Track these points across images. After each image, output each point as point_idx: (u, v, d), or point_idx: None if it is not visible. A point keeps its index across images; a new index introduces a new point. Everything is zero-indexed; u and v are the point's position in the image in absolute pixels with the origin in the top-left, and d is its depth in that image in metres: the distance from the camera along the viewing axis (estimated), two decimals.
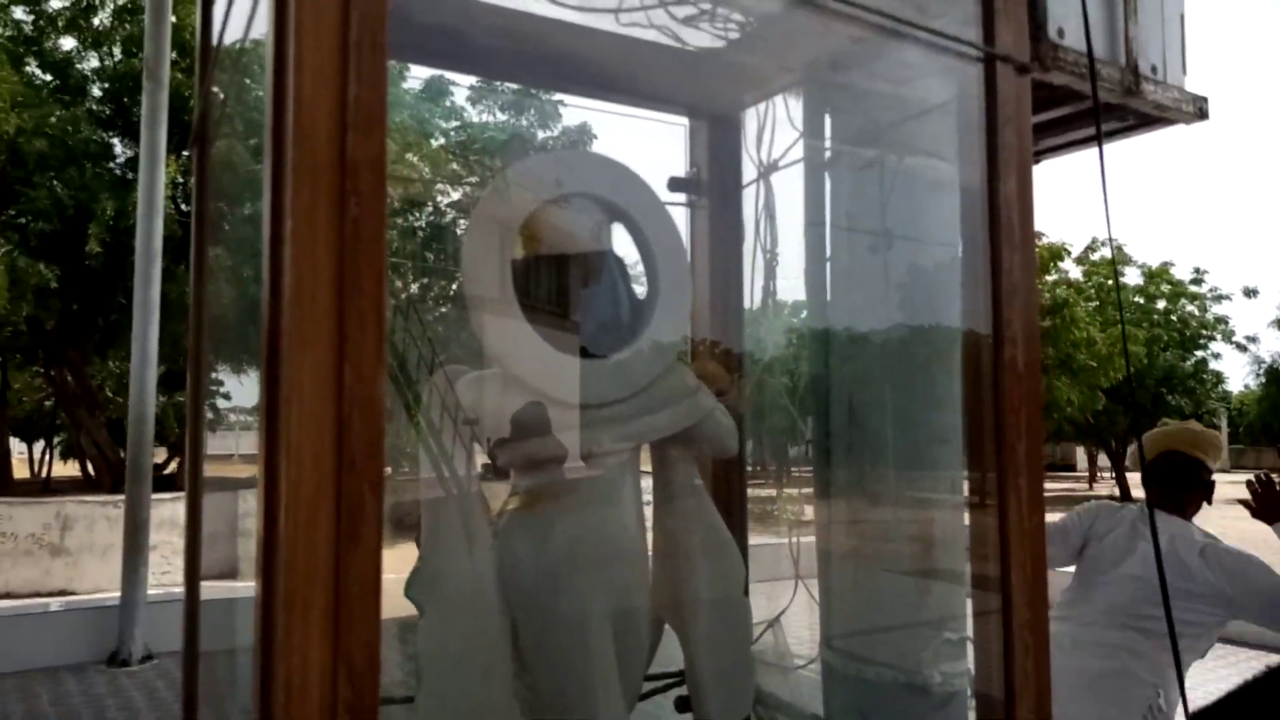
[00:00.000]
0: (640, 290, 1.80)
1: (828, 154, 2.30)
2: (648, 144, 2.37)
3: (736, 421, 2.03)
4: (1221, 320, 24.48)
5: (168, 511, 9.63)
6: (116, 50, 11.93)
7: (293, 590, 1.03)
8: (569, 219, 1.66)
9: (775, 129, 2.33)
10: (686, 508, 1.86)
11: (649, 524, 1.87)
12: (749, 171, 2.37)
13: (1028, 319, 1.64)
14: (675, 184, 2.34)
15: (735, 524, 2.33)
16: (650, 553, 1.86)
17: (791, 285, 2.36)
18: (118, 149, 11.94)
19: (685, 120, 2.40)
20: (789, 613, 2.32)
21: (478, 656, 1.58)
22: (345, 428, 1.07)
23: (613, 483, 1.72)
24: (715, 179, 2.36)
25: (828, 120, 2.30)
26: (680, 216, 2.37)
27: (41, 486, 13.38)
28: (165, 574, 9.44)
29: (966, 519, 1.84)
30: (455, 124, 10.28)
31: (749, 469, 2.44)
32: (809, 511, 2.54)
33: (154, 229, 6.78)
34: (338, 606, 1.05)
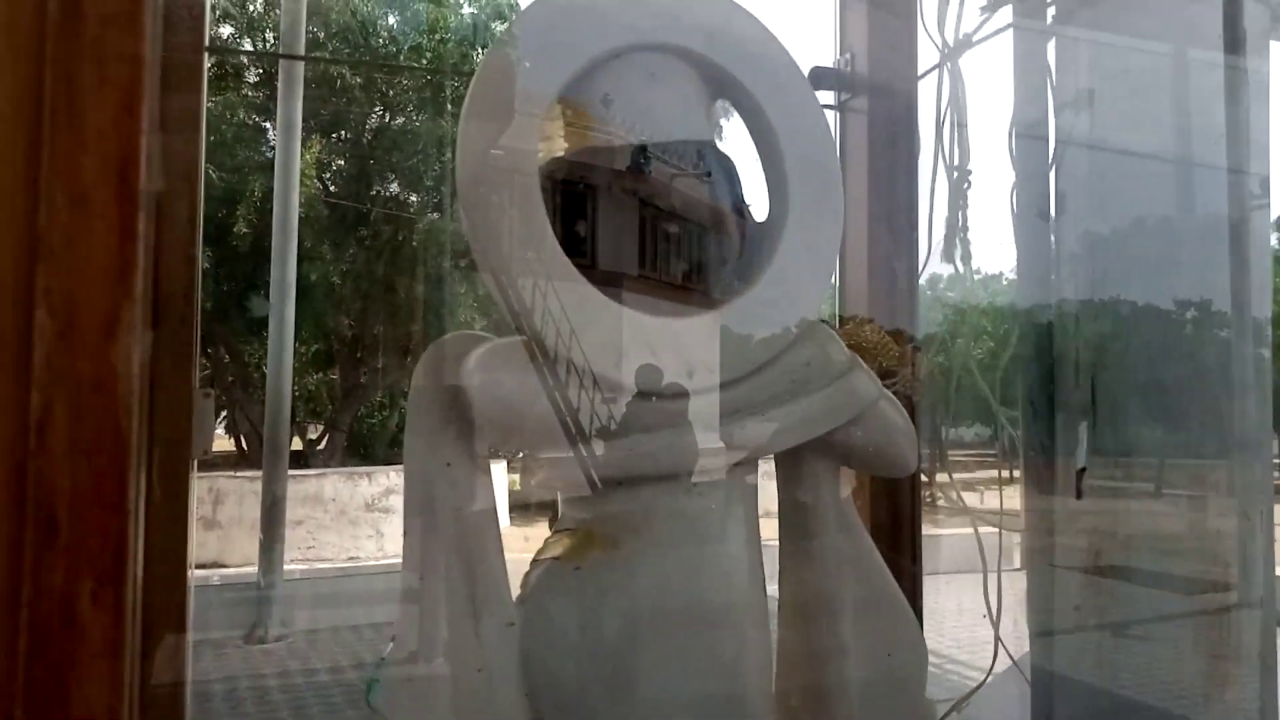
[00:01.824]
0: (759, 209, 1.16)
1: (1050, 22, 1.57)
2: (784, 24, 1.71)
3: (908, 413, 1.36)
4: None
5: (312, 487, 9.76)
6: (270, 36, 12.22)
7: None
8: (641, 88, 1.03)
9: None
10: (831, 549, 1.20)
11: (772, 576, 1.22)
12: (927, 56, 1.66)
13: None
14: (819, 77, 1.66)
15: (906, 561, 1.65)
16: (768, 617, 1.21)
17: (991, 219, 1.65)
18: (271, 134, 12.27)
19: None
20: (972, 616, 1.63)
21: None
22: None
23: (711, 513, 1.09)
24: (877, 68, 1.66)
25: None
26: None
27: (200, 461, 14.10)
28: (310, 549, 9.53)
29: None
30: None
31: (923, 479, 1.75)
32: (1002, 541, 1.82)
33: (290, 207, 6.81)
34: None
